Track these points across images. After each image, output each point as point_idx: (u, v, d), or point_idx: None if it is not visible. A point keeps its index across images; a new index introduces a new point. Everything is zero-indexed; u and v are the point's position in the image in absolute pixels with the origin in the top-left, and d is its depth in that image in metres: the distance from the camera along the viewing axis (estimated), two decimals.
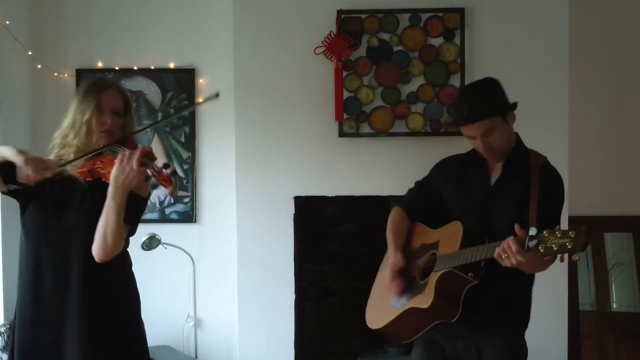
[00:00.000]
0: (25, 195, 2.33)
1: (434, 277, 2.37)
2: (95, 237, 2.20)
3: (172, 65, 4.21)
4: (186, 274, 4.20)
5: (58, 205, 2.30)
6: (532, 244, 2.07)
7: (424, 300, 2.36)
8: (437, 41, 3.82)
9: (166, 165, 2.15)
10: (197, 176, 4.24)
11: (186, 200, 4.23)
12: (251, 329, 3.90)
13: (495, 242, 2.21)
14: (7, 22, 3.73)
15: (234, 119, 3.90)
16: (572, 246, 2.00)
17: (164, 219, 4.21)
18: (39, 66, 4.09)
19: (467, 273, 2.30)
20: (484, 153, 2.43)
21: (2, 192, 2.36)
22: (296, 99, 3.88)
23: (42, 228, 2.31)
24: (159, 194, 4.17)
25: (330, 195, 3.90)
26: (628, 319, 4.27)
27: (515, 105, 2.43)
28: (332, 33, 3.81)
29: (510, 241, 2.13)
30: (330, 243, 4.00)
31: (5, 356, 3.34)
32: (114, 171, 2.16)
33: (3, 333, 3.46)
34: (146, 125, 2.34)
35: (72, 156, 2.29)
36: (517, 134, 2.51)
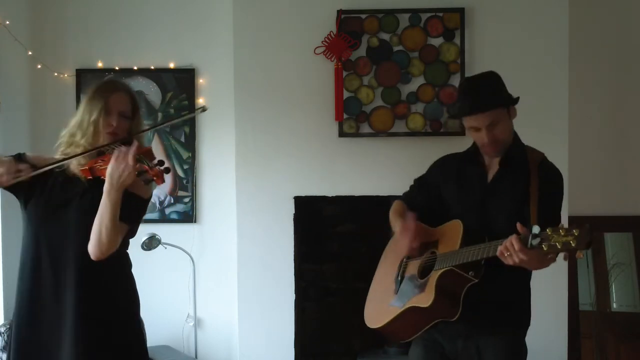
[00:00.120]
0: (25, 191, 2.33)
1: (434, 276, 2.37)
2: (91, 234, 2.20)
3: (172, 65, 4.21)
4: (186, 274, 4.20)
5: (58, 202, 2.30)
6: (535, 242, 2.07)
7: (424, 299, 2.36)
8: (437, 41, 3.82)
9: (161, 162, 2.16)
10: (197, 176, 4.24)
11: (186, 200, 4.23)
12: (251, 329, 3.90)
13: (497, 240, 2.21)
14: (7, 22, 3.73)
15: (234, 119, 3.91)
16: (576, 244, 1.99)
17: (164, 219, 4.21)
18: (39, 66, 4.09)
19: (467, 272, 2.30)
20: (487, 146, 2.42)
21: (3, 188, 2.36)
22: (296, 99, 3.88)
23: (41, 225, 2.31)
24: (159, 194, 4.17)
25: (330, 195, 3.90)
26: (628, 319, 4.27)
27: (517, 99, 2.44)
28: (332, 33, 3.81)
29: (513, 239, 2.13)
30: (330, 243, 4.01)
31: (5, 356, 3.34)
32: (109, 168, 2.16)
33: (3, 333, 3.46)
34: (123, 137, 2.33)
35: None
36: (514, 132, 2.50)
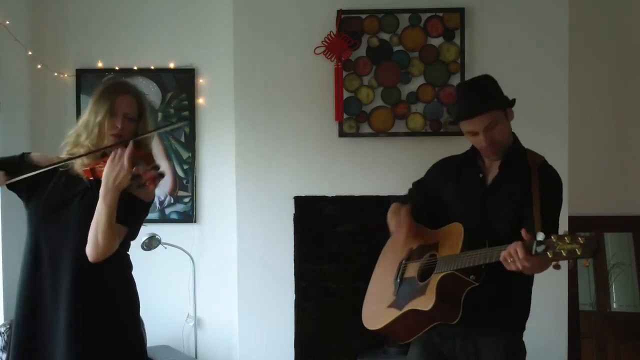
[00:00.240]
0: (27, 190, 2.34)
1: (435, 279, 2.36)
2: (88, 237, 2.20)
3: (172, 65, 4.21)
4: (186, 274, 4.20)
5: (59, 201, 2.30)
6: (540, 249, 2.06)
7: (425, 302, 2.35)
8: (437, 41, 3.82)
9: (156, 167, 2.15)
10: (197, 176, 4.24)
11: (186, 200, 4.23)
12: (251, 329, 3.90)
13: (499, 246, 2.20)
14: (7, 22, 3.73)
15: (234, 119, 3.91)
16: (581, 252, 1.98)
17: (164, 219, 4.21)
18: (39, 66, 4.09)
19: (468, 275, 2.29)
20: (485, 148, 2.42)
21: (7, 187, 2.37)
22: (296, 99, 3.88)
23: (41, 224, 2.31)
24: (159, 194, 4.17)
25: (330, 195, 3.90)
26: (628, 319, 4.27)
27: (514, 101, 2.44)
28: (332, 33, 3.81)
29: (518, 247, 2.11)
30: (330, 243, 4.00)
31: (5, 356, 3.35)
32: (105, 169, 2.16)
33: (3, 333, 3.46)
34: (130, 139, 2.31)
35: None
36: (514, 134, 2.50)
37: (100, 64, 4.18)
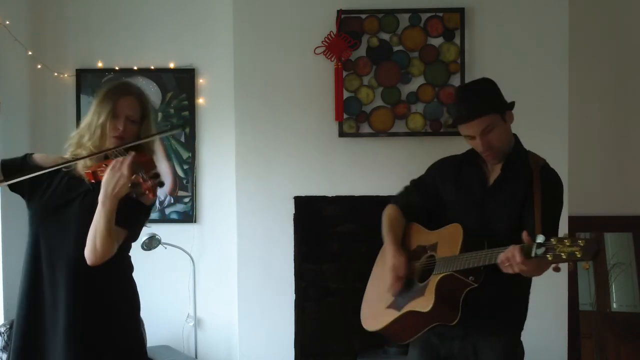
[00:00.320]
0: (28, 191, 2.34)
1: (434, 280, 2.35)
2: (87, 240, 2.19)
3: (172, 65, 4.21)
4: (186, 274, 4.20)
5: (61, 202, 2.30)
6: (540, 251, 2.05)
7: (424, 303, 2.35)
8: (437, 41, 3.82)
9: (155, 175, 2.14)
10: (197, 176, 4.24)
11: (186, 200, 4.23)
12: (251, 329, 3.90)
13: (498, 248, 2.19)
14: (7, 22, 3.73)
15: (234, 119, 3.90)
16: (581, 255, 1.97)
17: (164, 219, 4.21)
18: (39, 66, 4.09)
19: (467, 277, 2.29)
20: (482, 152, 2.42)
21: (10, 189, 2.37)
22: (296, 99, 3.88)
23: (40, 224, 2.32)
24: (159, 194, 4.16)
25: (330, 195, 3.90)
26: (628, 319, 4.27)
27: (513, 104, 2.43)
28: (332, 33, 3.81)
29: (515, 251, 2.11)
30: (330, 243, 4.00)
31: (5, 356, 3.35)
32: (105, 177, 2.15)
33: (3, 333, 3.46)
34: (132, 142, 2.30)
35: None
36: (515, 136, 2.50)
37: (100, 64, 4.18)
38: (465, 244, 2.33)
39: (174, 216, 4.23)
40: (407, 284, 2.49)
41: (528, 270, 2.13)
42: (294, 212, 3.89)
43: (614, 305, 4.32)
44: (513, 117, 2.44)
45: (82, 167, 2.30)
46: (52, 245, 2.28)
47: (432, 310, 2.31)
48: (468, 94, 2.44)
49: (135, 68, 4.18)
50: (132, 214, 2.26)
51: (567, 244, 2.00)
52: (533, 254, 2.07)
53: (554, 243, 2.02)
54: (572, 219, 3.65)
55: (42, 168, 2.28)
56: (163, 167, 4.08)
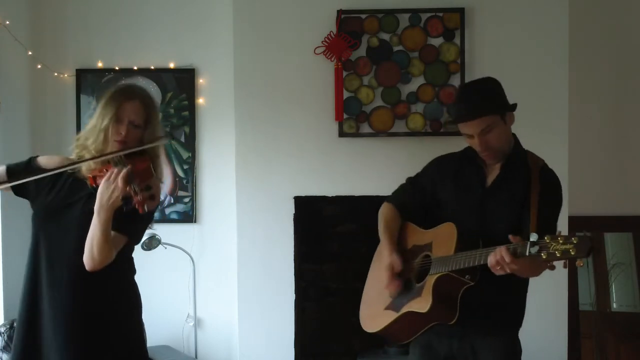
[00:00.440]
0: (32, 191, 2.34)
1: (430, 280, 2.35)
2: (85, 247, 2.19)
3: (172, 65, 4.21)
4: (186, 274, 4.20)
5: (63, 203, 2.30)
6: (534, 250, 2.05)
7: (422, 304, 2.35)
8: (437, 41, 3.82)
9: (147, 187, 2.12)
10: (197, 176, 4.24)
11: (186, 200, 4.23)
12: (251, 329, 3.90)
13: (493, 247, 2.19)
14: (7, 22, 3.73)
15: (234, 119, 3.91)
16: (575, 252, 1.97)
17: (164, 219, 4.21)
18: (39, 66, 4.09)
19: (464, 275, 2.28)
20: (480, 152, 2.41)
21: (15, 193, 2.38)
22: (296, 99, 3.88)
23: (41, 225, 2.32)
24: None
25: (330, 195, 3.90)
26: (628, 319, 4.27)
27: (514, 106, 2.41)
28: (332, 33, 3.81)
29: (502, 252, 2.12)
30: (330, 243, 4.00)
31: (5, 356, 3.35)
32: (100, 187, 2.14)
33: (3, 333, 3.46)
34: (131, 148, 2.28)
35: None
36: (515, 136, 2.49)
37: (100, 64, 4.18)
38: (459, 243, 2.33)
39: (174, 216, 4.23)
40: (404, 285, 2.49)
41: (520, 269, 2.13)
42: (294, 212, 3.89)
43: (614, 305, 4.32)
44: (514, 118, 2.43)
45: (86, 169, 2.29)
46: (52, 246, 2.28)
47: (430, 311, 2.31)
48: (469, 93, 2.44)
49: (135, 68, 4.19)
50: (132, 220, 2.24)
51: (561, 241, 2.00)
52: (527, 253, 2.07)
53: (548, 241, 2.02)
54: (572, 219, 3.65)
55: (46, 170, 2.27)
56: (166, 171, 4.07)
